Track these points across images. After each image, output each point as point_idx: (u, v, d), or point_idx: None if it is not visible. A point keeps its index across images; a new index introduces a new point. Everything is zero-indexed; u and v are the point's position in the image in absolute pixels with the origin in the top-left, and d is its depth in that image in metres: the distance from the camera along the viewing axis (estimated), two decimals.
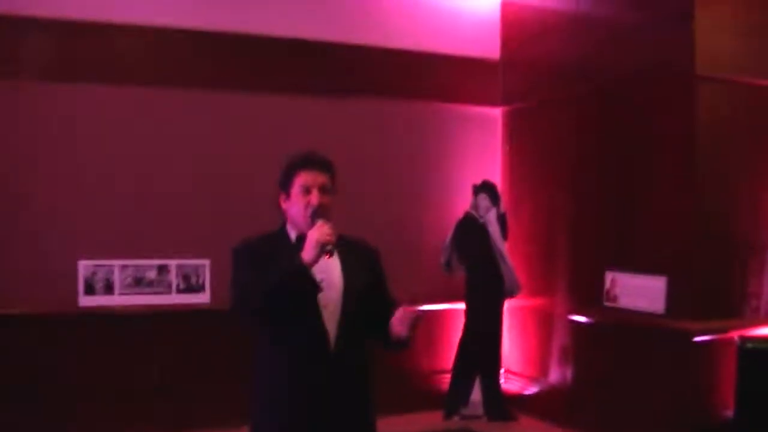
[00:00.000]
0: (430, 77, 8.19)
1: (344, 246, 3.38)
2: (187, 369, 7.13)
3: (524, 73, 8.19)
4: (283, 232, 3.46)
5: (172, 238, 7.15)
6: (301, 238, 3.28)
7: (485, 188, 7.85)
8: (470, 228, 7.82)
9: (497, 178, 8.25)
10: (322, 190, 3.36)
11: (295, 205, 3.37)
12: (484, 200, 7.80)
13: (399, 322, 3.29)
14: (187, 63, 7.33)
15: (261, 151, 7.19)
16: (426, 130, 8.25)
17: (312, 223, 3.26)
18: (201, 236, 7.19)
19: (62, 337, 6.83)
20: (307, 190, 3.35)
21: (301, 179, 3.37)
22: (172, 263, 7.12)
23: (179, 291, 7.12)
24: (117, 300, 6.99)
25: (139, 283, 7.04)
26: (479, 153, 8.43)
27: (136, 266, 7.04)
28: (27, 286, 6.75)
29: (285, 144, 7.30)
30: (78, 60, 6.97)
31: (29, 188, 6.84)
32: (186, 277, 7.14)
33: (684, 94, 6.45)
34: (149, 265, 7.08)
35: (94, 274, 6.93)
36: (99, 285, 6.94)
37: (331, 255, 3.21)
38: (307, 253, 3.16)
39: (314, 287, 3.20)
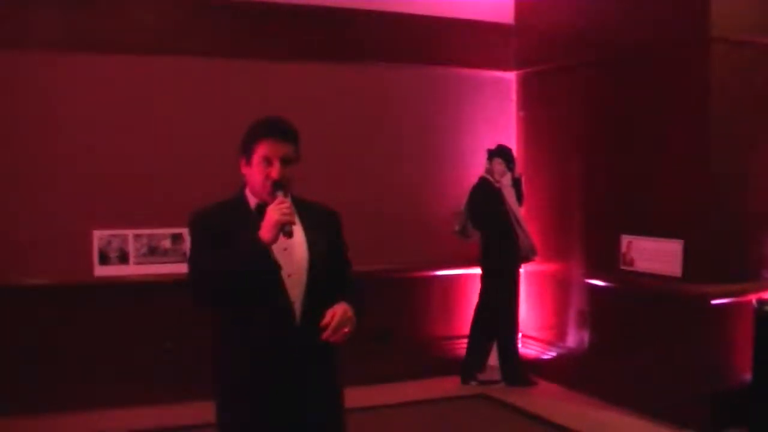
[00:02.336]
0: (444, 42, 8.10)
1: (304, 210, 3.30)
2: (202, 337, 7.12)
3: (538, 38, 8.08)
4: (242, 199, 3.34)
5: (185, 207, 7.06)
6: (261, 208, 3.21)
7: (500, 152, 7.79)
8: (485, 193, 7.77)
9: (512, 143, 8.18)
10: (284, 161, 3.23)
11: (256, 175, 3.25)
12: (498, 165, 7.74)
13: (329, 331, 3.17)
14: (201, 32, 7.29)
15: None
16: (440, 95, 8.18)
17: (272, 196, 3.18)
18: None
19: (78, 307, 6.86)
20: (268, 161, 3.23)
21: (263, 149, 3.24)
22: (186, 232, 7.09)
23: None
24: (132, 269, 7.00)
25: (153, 252, 7.04)
26: (494, 117, 8.35)
27: (150, 235, 7.04)
28: (42, 257, 6.78)
29: (296, 111, 7.28)
30: (88, 30, 6.93)
31: (43, 160, 6.84)
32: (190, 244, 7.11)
33: (698, 55, 6.35)
34: (163, 234, 7.08)
35: (108, 243, 6.94)
36: (114, 255, 6.95)
37: (290, 236, 3.13)
38: (266, 233, 3.09)
39: (274, 268, 3.15)
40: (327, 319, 3.18)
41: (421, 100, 8.12)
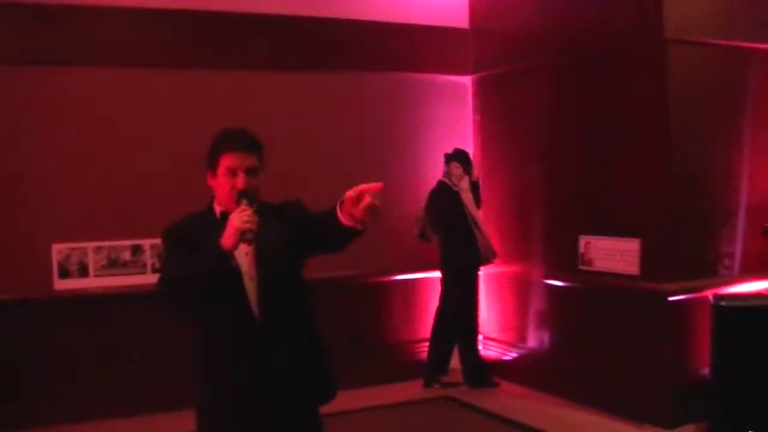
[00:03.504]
0: (400, 47, 8.14)
1: (267, 214, 3.31)
2: (165, 349, 7.09)
3: (494, 42, 8.17)
4: (210, 209, 3.43)
5: (145, 218, 7.09)
6: (225, 215, 3.26)
7: (457, 156, 7.85)
8: (444, 196, 7.83)
9: (469, 147, 8.25)
10: (249, 172, 3.30)
11: (222, 187, 3.32)
12: (456, 168, 7.80)
13: (352, 202, 3.17)
14: (166, 42, 7.25)
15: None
16: (397, 100, 8.23)
17: (237, 205, 3.22)
18: (174, 215, 7.10)
19: (38, 321, 6.80)
20: (233, 173, 3.28)
21: (227, 161, 3.30)
22: (146, 243, 7.08)
23: (154, 271, 7.07)
24: (92, 282, 6.95)
25: (113, 264, 7.00)
26: (451, 122, 8.42)
27: (110, 247, 7.00)
28: (1, 272, 6.69)
29: (256, 121, 7.28)
30: (48, 42, 6.86)
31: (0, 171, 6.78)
32: (161, 257, 7.09)
33: (654, 58, 6.45)
34: (123, 245, 7.04)
35: (68, 257, 6.88)
36: (73, 268, 6.89)
37: (251, 242, 3.17)
38: (227, 240, 3.12)
39: (234, 273, 3.21)
40: (350, 193, 3.18)
41: (379, 105, 8.16)
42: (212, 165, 3.35)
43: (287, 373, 3.35)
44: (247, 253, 3.28)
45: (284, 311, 3.37)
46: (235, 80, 7.50)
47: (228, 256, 3.13)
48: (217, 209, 3.39)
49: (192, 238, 3.27)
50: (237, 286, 3.27)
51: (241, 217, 3.13)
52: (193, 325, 3.39)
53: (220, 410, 3.37)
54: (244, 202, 3.22)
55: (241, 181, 3.27)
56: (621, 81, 6.81)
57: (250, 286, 3.31)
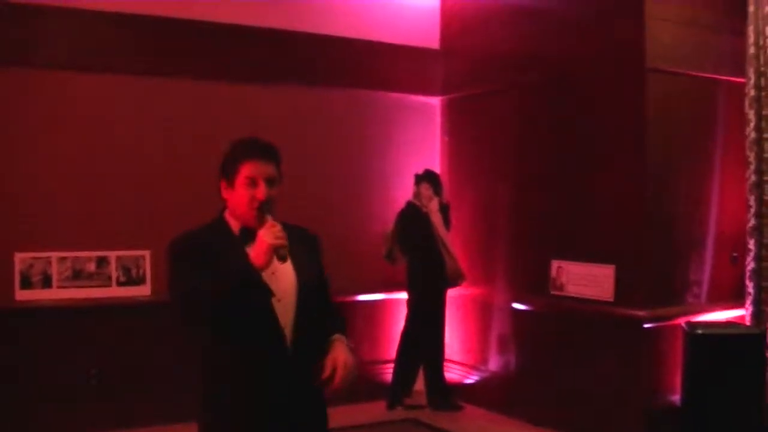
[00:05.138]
0: (370, 65, 8.11)
1: (288, 233, 3.14)
2: (129, 363, 6.92)
3: (465, 63, 8.19)
4: (223, 223, 3.24)
5: (111, 230, 6.93)
6: (246, 232, 3.15)
7: (427, 177, 7.83)
8: (412, 217, 7.79)
9: (437, 167, 8.24)
10: (269, 182, 3.16)
11: (240, 198, 3.15)
12: (426, 189, 7.77)
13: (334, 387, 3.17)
14: (126, 49, 7.08)
15: (199, 140, 7.07)
16: (366, 119, 8.19)
17: (259, 219, 3.10)
18: (140, 227, 7.00)
19: None
20: (253, 183, 3.13)
21: (247, 170, 3.14)
22: (112, 255, 6.90)
23: (119, 283, 6.91)
24: (55, 294, 6.72)
25: (78, 276, 6.79)
26: (419, 142, 8.40)
27: (74, 258, 6.79)
28: None
29: (223, 132, 7.14)
30: (12, 44, 6.66)
31: None
32: (126, 269, 6.93)
33: (633, 85, 6.52)
34: (88, 256, 6.84)
35: (31, 266, 6.65)
36: (36, 278, 6.66)
37: (284, 260, 3.05)
38: (259, 259, 2.99)
39: (267, 294, 3.06)
40: (328, 371, 3.14)
41: (347, 123, 8.10)
42: (229, 174, 3.19)
43: (312, 400, 3.27)
44: (273, 273, 3.11)
45: (313, 337, 3.23)
46: (198, 90, 7.35)
47: (259, 276, 3.00)
48: (233, 223, 3.22)
49: (208, 257, 3.08)
50: (266, 306, 3.11)
51: (273, 233, 3.01)
52: (204, 346, 3.19)
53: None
54: (269, 216, 3.09)
55: (261, 191, 3.13)
56: (597, 106, 6.86)
57: (280, 308, 3.14)
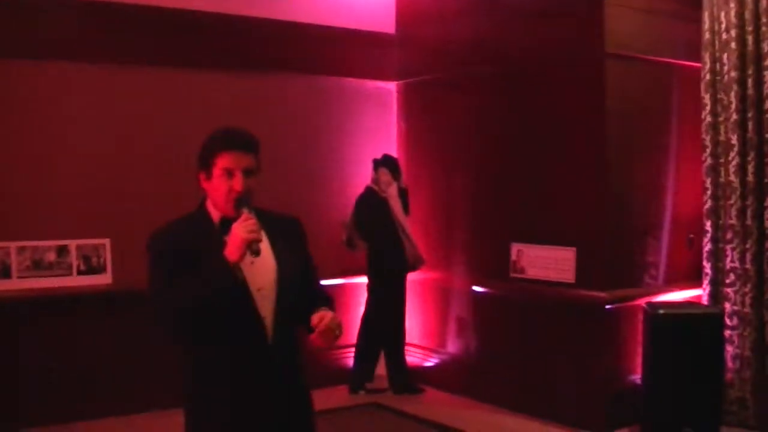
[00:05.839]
0: (324, 50, 8.02)
1: (267, 221, 3.19)
2: (91, 353, 6.85)
3: (421, 49, 8.19)
4: (204, 213, 3.25)
5: (70, 218, 6.82)
6: (225, 222, 3.14)
7: (386, 162, 7.84)
8: (371, 203, 7.80)
9: (395, 153, 8.24)
10: (247, 172, 3.14)
11: (218, 189, 3.15)
12: (384, 175, 7.79)
13: (318, 334, 3.17)
14: (82, 38, 6.90)
15: (158, 128, 7.04)
16: (322, 105, 8.14)
17: (236, 211, 3.10)
18: (100, 215, 6.90)
19: None
20: (230, 174, 3.12)
21: (224, 161, 3.13)
22: (72, 244, 6.80)
23: (80, 273, 6.81)
24: (14, 284, 6.59)
25: (37, 265, 6.68)
26: (376, 128, 8.39)
27: (34, 248, 6.67)
28: None
29: (182, 120, 7.14)
30: None
31: None
32: (86, 258, 6.83)
33: (592, 70, 6.60)
34: (48, 246, 6.73)
35: None
36: None
37: (257, 254, 3.05)
38: (233, 253, 3.01)
39: (242, 286, 3.08)
40: (315, 320, 3.16)
41: (303, 108, 8.04)
42: (206, 165, 3.18)
43: (296, 395, 3.28)
44: (252, 263, 3.11)
45: (294, 329, 3.25)
46: (153, 78, 7.25)
47: (234, 271, 3.02)
48: (213, 213, 3.22)
49: (188, 247, 3.10)
50: (245, 299, 3.11)
51: (246, 227, 3.02)
52: (185, 343, 3.20)
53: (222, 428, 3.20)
54: (245, 209, 3.09)
55: (238, 182, 3.11)
56: (555, 92, 6.93)
57: (260, 299, 3.15)
